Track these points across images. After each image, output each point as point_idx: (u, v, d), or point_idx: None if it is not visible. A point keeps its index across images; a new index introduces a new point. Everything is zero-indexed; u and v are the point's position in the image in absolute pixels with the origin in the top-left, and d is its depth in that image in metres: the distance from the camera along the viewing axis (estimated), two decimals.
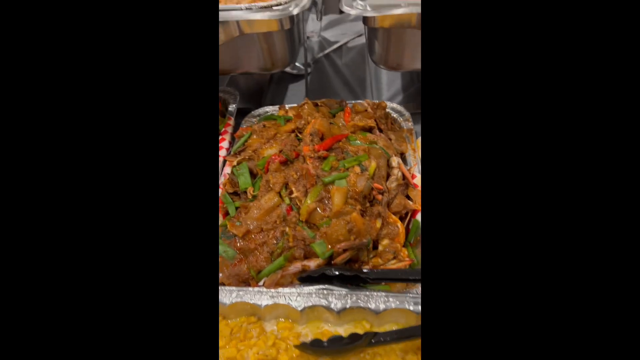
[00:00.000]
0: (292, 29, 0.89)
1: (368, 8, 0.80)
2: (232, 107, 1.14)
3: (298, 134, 0.89)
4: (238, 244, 0.72)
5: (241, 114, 1.11)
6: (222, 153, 0.97)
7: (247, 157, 0.86)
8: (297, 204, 0.74)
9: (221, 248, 0.73)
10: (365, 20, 0.83)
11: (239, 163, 0.86)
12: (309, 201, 0.71)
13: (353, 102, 1.03)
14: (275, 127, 0.92)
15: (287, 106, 1.03)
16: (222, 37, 0.82)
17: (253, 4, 0.81)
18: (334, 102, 1.01)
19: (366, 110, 0.96)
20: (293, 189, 0.74)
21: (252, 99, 1.36)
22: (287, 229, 0.72)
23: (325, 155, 0.77)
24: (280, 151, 0.86)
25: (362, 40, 1.60)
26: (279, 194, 0.76)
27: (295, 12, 0.80)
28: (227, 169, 0.92)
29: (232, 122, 1.07)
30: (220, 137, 1.02)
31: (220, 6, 0.83)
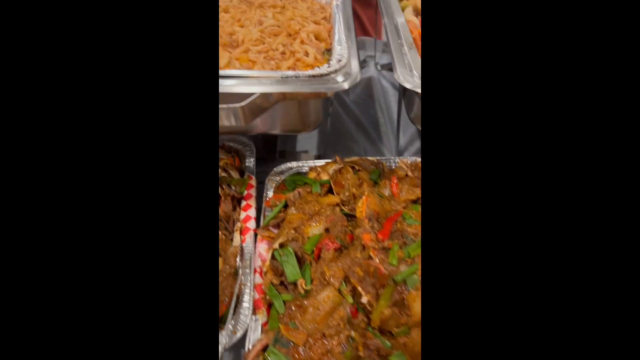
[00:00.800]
0: None
1: None
2: (250, 162, 1.02)
3: (342, 207, 0.82)
4: (299, 354, 0.64)
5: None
6: (251, 225, 0.87)
7: (290, 238, 0.77)
8: (363, 304, 0.66)
9: (275, 359, 0.64)
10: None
11: (281, 246, 0.76)
12: (382, 306, 0.63)
13: (384, 161, 0.96)
14: (315, 200, 0.83)
15: (317, 165, 0.94)
16: (265, 104, 0.72)
17: (299, 72, 0.72)
18: (368, 163, 0.94)
19: (407, 175, 0.90)
20: (360, 289, 0.66)
21: (260, 145, 1.26)
22: (352, 333, 0.65)
23: (390, 245, 0.70)
24: (327, 230, 0.77)
25: (367, 73, 1.54)
26: (339, 289, 0.68)
27: (345, 86, 0.71)
28: (261, 247, 0.82)
29: (254, 182, 0.97)
30: (245, 203, 0.92)
31: (261, 72, 0.73)
